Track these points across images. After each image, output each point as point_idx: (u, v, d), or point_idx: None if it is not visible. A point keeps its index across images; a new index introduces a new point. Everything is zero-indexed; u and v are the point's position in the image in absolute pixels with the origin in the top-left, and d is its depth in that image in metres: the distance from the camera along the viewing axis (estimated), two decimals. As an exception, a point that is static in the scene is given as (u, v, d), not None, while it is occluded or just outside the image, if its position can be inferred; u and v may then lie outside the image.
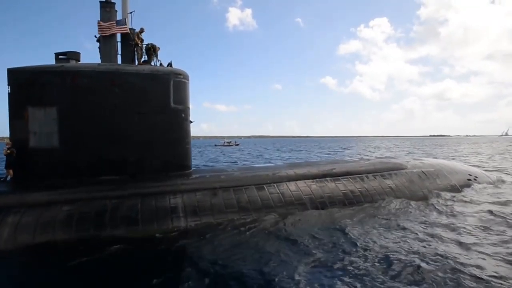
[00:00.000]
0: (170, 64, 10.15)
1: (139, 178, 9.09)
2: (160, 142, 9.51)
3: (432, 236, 7.71)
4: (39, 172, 8.66)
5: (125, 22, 9.47)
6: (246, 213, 8.76)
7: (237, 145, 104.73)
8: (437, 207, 10.55)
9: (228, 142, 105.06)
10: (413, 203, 10.79)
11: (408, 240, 7.37)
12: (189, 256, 6.66)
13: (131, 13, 9.83)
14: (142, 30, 10.30)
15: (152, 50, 9.99)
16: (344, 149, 69.73)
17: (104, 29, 9.18)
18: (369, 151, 59.38)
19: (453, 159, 33.10)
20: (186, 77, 10.17)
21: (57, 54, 9.20)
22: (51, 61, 9.14)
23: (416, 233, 7.92)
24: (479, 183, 13.96)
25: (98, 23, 9.25)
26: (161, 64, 10.20)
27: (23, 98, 8.57)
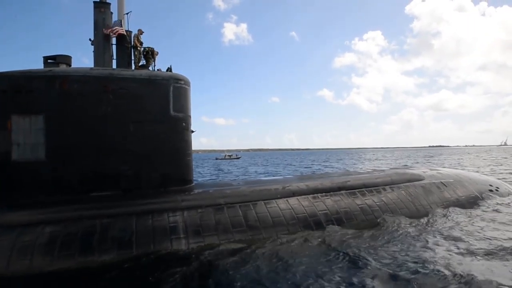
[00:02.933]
0: (169, 69, 9.37)
1: (134, 194, 8.13)
2: (158, 153, 8.61)
3: (472, 256, 6.72)
4: (23, 188, 7.70)
5: (121, 24, 8.74)
6: (255, 232, 7.74)
7: (238, 158, 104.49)
8: (465, 221, 9.60)
9: (229, 156, 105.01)
10: (436, 217, 9.88)
11: (442, 266, 6.35)
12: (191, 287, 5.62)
13: (127, 13, 9.14)
14: (141, 32, 9.59)
15: (150, 54, 9.24)
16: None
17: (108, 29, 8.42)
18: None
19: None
20: (187, 82, 9.37)
21: (45, 58, 8.41)
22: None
23: (450, 252, 6.95)
24: (501, 194, 13.03)
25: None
26: (159, 70, 9.43)
27: (6, 105, 7.70)
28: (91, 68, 8.33)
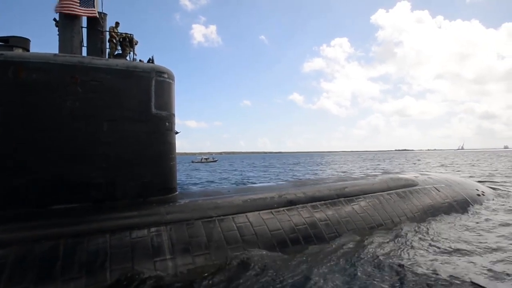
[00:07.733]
0: (151, 60, 8.15)
1: (108, 207, 6.80)
2: (137, 158, 7.36)
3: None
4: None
5: (94, 4, 7.40)
6: (253, 248, 6.72)
7: (215, 161, 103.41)
8: (466, 224, 9.61)
9: (206, 159, 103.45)
10: (438, 222, 9.71)
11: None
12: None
13: (101, -8, 7.80)
14: (117, 25, 8.34)
15: (127, 41, 7.97)
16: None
17: (66, 6, 7.02)
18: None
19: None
20: (171, 76, 8.19)
21: (-5, 40, 6.87)
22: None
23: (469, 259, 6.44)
24: (487, 197, 13.47)
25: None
26: (140, 61, 8.18)
27: None
28: (55, 55, 6.88)
